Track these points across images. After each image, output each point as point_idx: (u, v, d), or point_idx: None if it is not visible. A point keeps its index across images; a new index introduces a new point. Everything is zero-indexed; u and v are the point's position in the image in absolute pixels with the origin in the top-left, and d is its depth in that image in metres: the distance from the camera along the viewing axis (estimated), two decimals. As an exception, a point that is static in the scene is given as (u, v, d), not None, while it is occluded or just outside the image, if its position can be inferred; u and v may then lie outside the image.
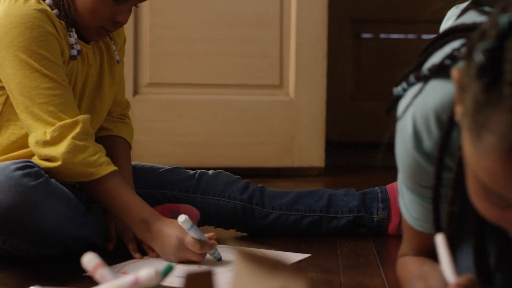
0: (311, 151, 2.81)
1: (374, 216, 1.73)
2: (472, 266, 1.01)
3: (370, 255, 1.53)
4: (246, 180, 1.77)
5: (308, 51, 2.78)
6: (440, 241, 0.92)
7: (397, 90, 1.00)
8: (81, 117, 1.46)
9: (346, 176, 2.83)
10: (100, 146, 1.50)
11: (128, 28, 2.59)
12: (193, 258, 1.41)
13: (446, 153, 0.93)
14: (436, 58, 0.96)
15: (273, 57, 2.76)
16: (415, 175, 1.00)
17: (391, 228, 1.74)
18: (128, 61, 2.62)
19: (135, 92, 2.72)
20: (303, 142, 2.79)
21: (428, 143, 0.95)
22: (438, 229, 0.99)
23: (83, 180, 1.45)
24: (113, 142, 1.70)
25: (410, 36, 3.73)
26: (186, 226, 1.39)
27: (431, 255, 1.09)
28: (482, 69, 0.71)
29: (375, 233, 1.74)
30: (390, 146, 1.02)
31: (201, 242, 1.40)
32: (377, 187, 1.77)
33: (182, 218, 1.39)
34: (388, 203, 1.74)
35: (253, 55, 2.75)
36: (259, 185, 1.77)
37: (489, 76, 0.70)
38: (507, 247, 1.04)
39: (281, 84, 2.79)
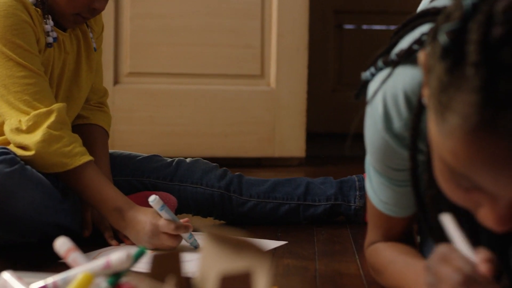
0: (292, 141, 2.81)
1: (352, 204, 1.74)
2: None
3: (347, 243, 1.54)
4: (224, 168, 1.78)
5: (290, 42, 2.78)
6: (448, 221, 0.90)
7: (365, 74, 1.01)
8: (56, 106, 1.45)
9: (327, 166, 2.84)
10: (76, 136, 1.49)
11: (108, 18, 2.59)
12: (168, 243, 1.41)
13: (418, 136, 0.94)
14: (404, 43, 0.96)
15: (255, 47, 2.76)
16: (384, 156, 1.01)
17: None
18: (108, 51, 2.61)
19: (116, 81, 2.71)
20: (284, 132, 2.80)
21: (398, 124, 0.96)
22: (422, 211, 0.99)
23: (57, 170, 1.45)
24: (90, 130, 1.69)
25: (392, 27, 3.72)
26: (157, 206, 1.39)
27: (401, 240, 1.10)
28: (446, 50, 0.71)
29: (352, 221, 1.75)
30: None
31: (175, 223, 1.40)
32: (354, 175, 1.78)
33: (152, 198, 1.39)
34: (365, 191, 1.74)
35: (235, 45, 2.75)
36: (237, 173, 1.77)
37: (452, 57, 0.70)
38: (477, 229, 1.05)
39: (262, 74, 2.79)
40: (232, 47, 2.75)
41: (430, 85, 0.75)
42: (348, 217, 1.76)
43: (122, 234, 1.49)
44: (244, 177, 1.76)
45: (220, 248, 0.67)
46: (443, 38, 0.72)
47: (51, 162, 1.44)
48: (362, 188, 1.75)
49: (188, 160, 1.76)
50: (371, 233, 1.14)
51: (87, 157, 1.46)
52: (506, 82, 0.67)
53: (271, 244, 1.51)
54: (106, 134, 1.72)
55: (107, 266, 0.90)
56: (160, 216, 1.41)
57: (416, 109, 0.92)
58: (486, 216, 0.77)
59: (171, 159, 1.76)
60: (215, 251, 0.68)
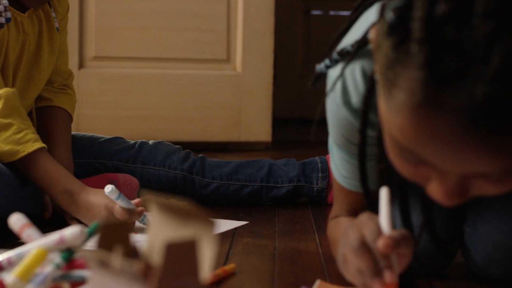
0: (258, 126, 2.82)
1: (314, 186, 1.75)
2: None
3: (307, 222, 1.55)
4: (187, 150, 1.78)
5: (256, 27, 2.78)
6: (384, 194, 0.93)
7: (320, 67, 1.01)
8: (3, 92, 1.41)
9: (293, 151, 2.85)
10: (28, 122, 1.45)
11: (73, 1, 2.57)
12: None
13: (371, 110, 0.95)
14: (357, 30, 0.97)
15: (220, 31, 2.76)
16: (343, 130, 1.02)
17: (331, 197, 1.76)
18: (73, 34, 2.60)
19: (81, 65, 2.70)
20: (250, 116, 2.80)
21: (356, 99, 0.98)
22: (365, 187, 1.01)
23: (11, 159, 1.42)
24: (53, 113, 1.68)
25: (360, 13, 3.76)
26: (114, 196, 1.38)
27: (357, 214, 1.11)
28: (392, 27, 0.72)
29: (315, 203, 1.76)
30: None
31: (130, 211, 1.40)
32: (317, 157, 1.80)
33: (108, 188, 1.37)
34: (328, 173, 1.76)
35: (200, 29, 2.75)
36: (200, 155, 1.78)
37: (398, 34, 0.71)
38: (430, 205, 1.06)
39: (228, 58, 2.79)
40: (198, 31, 2.75)
41: (378, 62, 0.76)
42: (311, 198, 1.77)
43: (68, 216, 1.47)
44: (206, 159, 1.77)
45: (167, 218, 0.68)
46: (389, 15, 0.73)
47: (2, 151, 1.41)
48: (324, 170, 1.76)
49: (151, 142, 1.76)
50: (335, 206, 1.16)
51: (39, 144, 1.43)
52: (449, 59, 0.67)
53: (232, 224, 1.52)
54: (69, 116, 1.71)
55: (61, 241, 0.90)
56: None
57: (369, 84, 0.93)
58: (435, 191, 0.78)
59: (133, 142, 1.76)
60: (162, 221, 0.68)
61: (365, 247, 0.89)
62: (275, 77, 2.91)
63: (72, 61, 2.60)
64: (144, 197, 0.69)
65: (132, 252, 0.68)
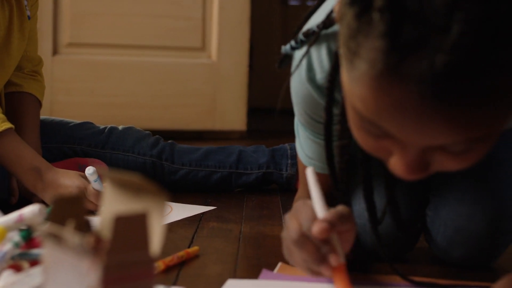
0: (233, 115, 2.83)
1: (283, 172, 1.76)
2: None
3: (275, 208, 1.56)
4: (157, 136, 1.78)
5: (231, 15, 2.78)
6: (309, 174, 0.94)
7: (285, 48, 1.01)
8: None
9: (268, 140, 2.86)
10: None
11: (48, -13, 2.56)
12: (92, 208, 1.40)
13: (336, 87, 0.95)
14: (323, 12, 0.97)
15: (196, 19, 2.76)
16: (307, 107, 1.03)
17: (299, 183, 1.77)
18: (47, 20, 2.59)
19: (55, 51, 2.69)
20: (225, 105, 2.81)
21: (320, 75, 0.98)
22: (330, 165, 1.01)
23: None
24: (22, 99, 1.68)
25: (337, 4, 3.77)
26: (93, 178, 1.38)
27: (327, 196, 1.12)
28: None
29: (284, 189, 1.77)
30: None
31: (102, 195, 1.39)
32: (286, 144, 1.80)
33: (90, 170, 1.37)
34: (297, 160, 1.76)
35: (176, 16, 2.74)
36: (170, 141, 1.78)
37: (360, 3, 0.70)
38: (393, 186, 1.07)
39: (203, 46, 2.79)
40: (173, 19, 2.74)
41: (341, 33, 0.75)
42: (280, 185, 1.78)
43: (36, 199, 1.45)
44: (176, 145, 1.77)
45: (120, 192, 0.68)
46: None
47: None
48: (294, 157, 1.77)
49: (120, 127, 1.76)
50: (300, 189, 1.17)
51: (7, 124, 1.43)
52: (410, 28, 0.66)
53: (200, 209, 1.52)
54: (38, 102, 1.71)
55: (20, 219, 0.90)
56: (88, 182, 1.41)
57: (334, 60, 0.93)
58: (396, 164, 0.77)
59: (103, 127, 1.76)
60: (115, 195, 0.69)
61: (304, 237, 0.89)
62: (252, 67, 2.91)
63: (46, 47, 2.60)
64: (99, 171, 0.69)
65: (85, 227, 0.68)
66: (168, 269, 1.06)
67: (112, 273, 0.60)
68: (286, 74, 1.07)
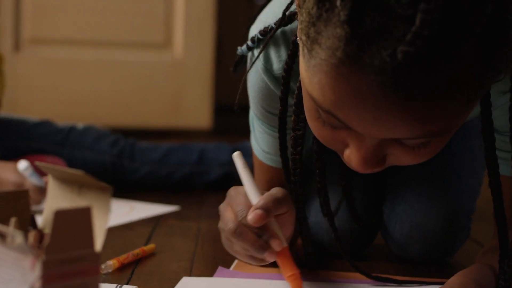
0: (198, 112, 2.81)
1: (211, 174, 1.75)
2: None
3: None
4: (118, 134, 1.76)
5: (197, 11, 2.77)
6: (236, 159, 0.92)
7: (242, 49, 1.00)
8: None
9: (233, 138, 2.84)
10: None
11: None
12: (32, 203, 1.37)
13: (292, 77, 0.93)
14: (272, 11, 0.96)
15: (160, 15, 2.74)
16: (263, 100, 1.01)
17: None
18: (8, 15, 2.55)
19: (16, 48, 2.65)
20: (190, 102, 2.79)
21: (277, 66, 0.96)
22: (283, 157, 0.99)
23: None
24: None
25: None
26: (28, 172, 1.36)
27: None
28: None
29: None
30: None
31: (41, 189, 1.38)
32: (249, 141, 1.79)
33: (23, 165, 1.35)
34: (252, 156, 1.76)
35: (139, 11, 2.72)
36: (130, 139, 1.76)
37: None
38: (347, 176, 1.07)
39: (167, 42, 2.78)
40: (135, 14, 2.72)
41: (300, 20, 0.74)
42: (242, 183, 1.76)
43: None
44: (137, 143, 1.75)
45: (63, 187, 0.67)
46: None
47: None
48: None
49: (80, 126, 1.74)
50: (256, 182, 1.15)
51: None
52: (372, 16, 0.64)
53: (161, 208, 1.51)
54: None
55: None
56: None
57: (291, 48, 0.92)
58: (351, 156, 0.76)
59: (63, 125, 1.74)
60: (59, 190, 0.67)
61: (241, 227, 0.88)
62: (220, 63, 2.89)
63: (7, 43, 2.56)
64: (40, 164, 0.68)
65: (29, 223, 0.67)
66: (122, 267, 1.05)
67: (52, 269, 0.59)
68: (229, 71, 1.06)
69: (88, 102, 2.70)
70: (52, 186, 0.68)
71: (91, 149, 1.70)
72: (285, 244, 0.89)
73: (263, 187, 1.12)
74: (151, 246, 1.14)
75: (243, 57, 1.01)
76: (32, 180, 1.37)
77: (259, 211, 0.87)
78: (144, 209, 1.49)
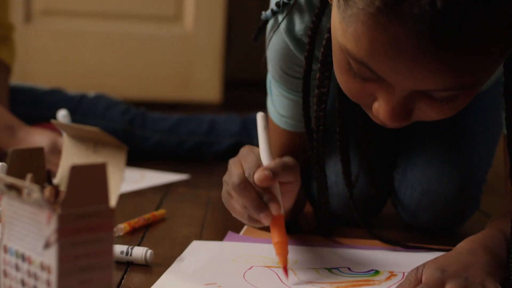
0: (208, 86, 2.82)
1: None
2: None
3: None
4: (128, 104, 1.77)
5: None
6: (259, 120, 0.92)
7: (266, 14, 1.00)
8: None
9: (242, 112, 2.85)
10: None
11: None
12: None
13: (317, 37, 0.94)
14: None
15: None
16: (283, 61, 1.01)
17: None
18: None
19: (28, 19, 2.66)
20: (200, 76, 2.80)
21: (299, 27, 0.96)
22: (306, 117, 0.99)
23: None
24: None
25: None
26: (66, 120, 1.37)
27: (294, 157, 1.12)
28: None
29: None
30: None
31: None
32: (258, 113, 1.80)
33: (63, 112, 1.36)
34: (267, 121, 1.76)
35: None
36: (141, 108, 1.77)
37: None
38: (366, 139, 1.08)
39: (179, 16, 2.77)
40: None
41: None
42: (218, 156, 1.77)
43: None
44: (148, 113, 1.76)
45: (79, 144, 0.68)
46: None
47: None
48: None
49: (91, 94, 1.75)
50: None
51: None
52: None
53: (172, 177, 1.52)
54: (7, 68, 1.69)
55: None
56: (60, 135, 1.39)
57: (318, 8, 0.92)
58: (380, 109, 0.76)
59: (74, 94, 1.75)
60: (74, 147, 0.68)
61: (246, 183, 0.88)
62: (230, 38, 2.89)
63: (18, 14, 2.56)
64: (55, 122, 0.69)
65: (45, 180, 0.68)
66: (133, 231, 1.06)
67: (67, 223, 0.60)
68: (265, 47, 1.06)
69: (98, 74, 2.71)
70: (68, 145, 0.69)
71: (102, 117, 1.71)
72: (283, 212, 0.89)
73: (276, 154, 1.13)
74: (161, 211, 1.15)
75: (266, 24, 1.01)
76: None
77: (267, 172, 0.88)
78: (155, 177, 1.50)
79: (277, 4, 0.97)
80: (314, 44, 0.94)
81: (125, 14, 2.72)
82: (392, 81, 0.73)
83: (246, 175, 0.89)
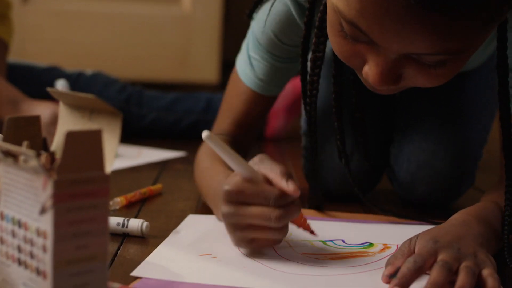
0: (205, 67, 2.82)
1: None
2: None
3: (242, 152, 1.57)
4: (125, 82, 1.77)
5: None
6: (212, 138, 0.77)
7: None
8: None
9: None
10: None
11: None
12: None
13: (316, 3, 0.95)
14: None
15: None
16: (282, 27, 1.01)
17: (269, 131, 1.78)
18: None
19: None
20: (197, 57, 2.79)
21: None
22: (303, 81, 1.00)
23: None
24: None
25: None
26: (65, 90, 1.38)
27: (248, 128, 1.11)
28: None
29: (253, 137, 1.78)
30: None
31: None
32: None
33: (61, 81, 1.37)
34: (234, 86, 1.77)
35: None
36: (138, 87, 1.77)
37: None
38: (361, 108, 1.09)
39: (176, -3, 2.77)
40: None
41: None
42: (249, 132, 1.78)
43: None
44: (144, 91, 1.76)
45: (75, 112, 0.68)
46: None
47: None
48: (262, 104, 1.77)
49: (89, 72, 1.75)
50: (222, 119, 1.12)
51: None
52: None
53: (168, 154, 1.53)
54: (3, 45, 1.69)
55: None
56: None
57: None
58: (369, 71, 0.77)
59: (71, 71, 1.75)
60: (70, 114, 0.69)
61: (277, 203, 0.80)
62: (228, 19, 2.89)
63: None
64: (51, 90, 0.69)
65: (40, 147, 0.68)
66: (130, 205, 1.07)
67: (63, 189, 0.60)
68: (245, 15, 1.07)
69: (95, 54, 2.71)
70: (64, 113, 0.69)
71: (99, 95, 1.71)
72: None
73: (234, 121, 1.10)
74: (158, 186, 1.15)
75: (259, 3, 1.02)
76: None
77: (293, 184, 0.83)
78: (151, 154, 1.51)
79: None
80: (314, 10, 0.95)
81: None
82: (380, 43, 0.74)
83: (271, 203, 0.80)
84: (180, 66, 2.78)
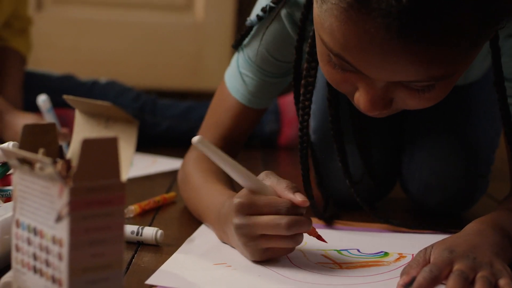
0: (218, 75, 2.79)
1: (265, 128, 1.77)
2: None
3: (255, 163, 1.57)
4: (139, 90, 1.78)
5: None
6: (209, 145, 0.78)
7: (251, 20, 1.01)
8: None
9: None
10: None
11: None
12: None
13: (308, 26, 0.96)
14: None
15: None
16: (277, 44, 1.01)
17: (283, 139, 1.78)
18: (31, -25, 2.56)
19: (39, 7, 2.67)
20: (210, 65, 2.80)
21: (299, 13, 0.97)
22: (297, 105, 1.00)
23: None
24: (7, 52, 1.69)
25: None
26: (45, 107, 1.38)
27: (234, 144, 1.10)
28: None
29: (267, 145, 1.78)
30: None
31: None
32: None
33: (42, 98, 1.38)
34: (279, 115, 1.77)
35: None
36: (152, 95, 1.78)
37: None
38: (362, 126, 1.09)
39: (190, 5, 2.78)
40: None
41: None
42: (263, 140, 1.78)
43: None
44: (158, 99, 1.77)
45: (90, 120, 0.69)
46: None
47: None
48: (276, 112, 1.77)
49: (103, 81, 1.76)
50: (208, 133, 1.10)
51: None
52: None
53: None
54: (21, 58, 1.71)
55: (-6, 156, 0.90)
56: (43, 119, 1.41)
57: (306, 1, 0.94)
58: (360, 98, 0.79)
59: (86, 80, 1.75)
60: (86, 122, 0.69)
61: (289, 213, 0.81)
62: (240, 28, 2.89)
63: (30, 2, 2.57)
64: (67, 98, 0.69)
65: (56, 155, 0.69)
66: (144, 213, 1.07)
67: (79, 196, 0.60)
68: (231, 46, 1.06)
69: (109, 62, 2.71)
70: (80, 120, 0.69)
71: (113, 103, 1.71)
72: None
73: (220, 135, 1.09)
74: (171, 194, 1.15)
75: (250, 30, 1.02)
76: (48, 116, 1.39)
77: (301, 195, 0.84)
78: (166, 163, 1.51)
79: (263, 10, 0.98)
80: (304, 34, 0.96)
81: (136, 2, 2.73)
82: (367, 73, 0.75)
83: (283, 212, 0.81)
84: (193, 74, 2.78)
